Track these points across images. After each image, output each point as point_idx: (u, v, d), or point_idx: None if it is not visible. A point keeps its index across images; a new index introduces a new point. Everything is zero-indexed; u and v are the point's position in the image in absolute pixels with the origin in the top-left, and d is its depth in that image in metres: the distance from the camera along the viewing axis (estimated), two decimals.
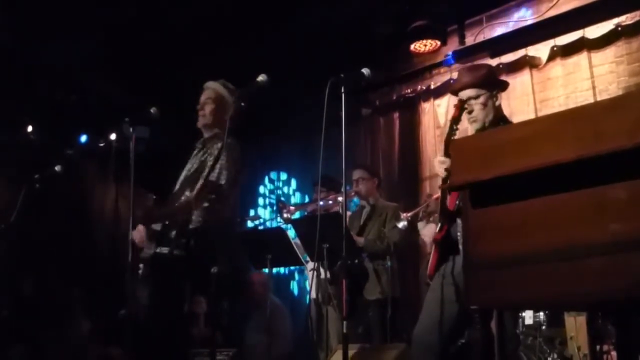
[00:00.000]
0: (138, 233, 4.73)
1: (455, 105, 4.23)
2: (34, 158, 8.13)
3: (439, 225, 4.18)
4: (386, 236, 6.65)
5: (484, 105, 4.09)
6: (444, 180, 4.07)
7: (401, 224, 6.26)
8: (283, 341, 7.70)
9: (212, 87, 5.00)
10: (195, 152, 4.99)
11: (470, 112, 4.10)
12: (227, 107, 4.90)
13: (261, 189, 10.51)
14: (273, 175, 10.51)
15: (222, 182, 4.59)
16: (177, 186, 4.88)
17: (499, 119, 4.13)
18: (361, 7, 7.72)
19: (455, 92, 4.29)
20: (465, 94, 4.13)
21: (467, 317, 4.02)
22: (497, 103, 4.16)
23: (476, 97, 4.09)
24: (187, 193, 4.71)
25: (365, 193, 7.02)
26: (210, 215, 4.62)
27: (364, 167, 7.33)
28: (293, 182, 10.36)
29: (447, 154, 4.18)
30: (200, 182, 4.60)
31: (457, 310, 3.99)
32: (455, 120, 4.19)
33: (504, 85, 4.33)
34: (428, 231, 4.44)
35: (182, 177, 4.90)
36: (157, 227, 4.76)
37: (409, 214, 6.33)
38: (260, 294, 7.72)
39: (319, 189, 6.91)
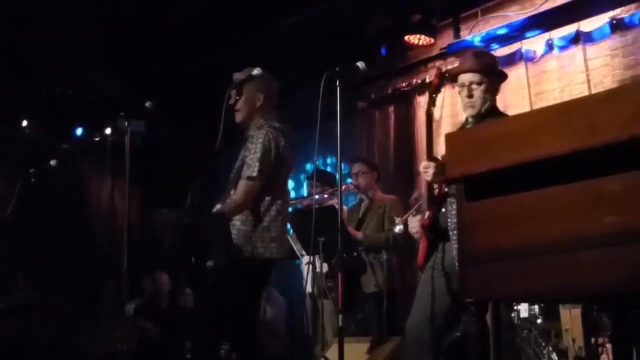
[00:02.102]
0: None
1: (435, 74, 4.24)
2: (29, 152, 8.13)
3: (426, 212, 4.20)
4: (385, 231, 6.68)
5: (485, 92, 4.09)
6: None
7: (397, 228, 6.29)
8: (277, 338, 7.72)
9: (237, 79, 4.88)
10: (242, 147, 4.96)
11: (470, 97, 4.09)
12: (257, 95, 4.83)
13: None
14: None
15: (254, 174, 4.55)
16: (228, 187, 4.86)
17: (493, 109, 4.14)
18: (358, 0, 7.73)
19: (455, 75, 4.27)
20: (467, 78, 4.11)
21: (459, 309, 4.05)
22: (497, 93, 4.18)
23: (479, 83, 4.08)
24: (232, 192, 4.69)
25: (364, 186, 7.05)
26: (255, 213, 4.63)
27: (363, 160, 7.35)
28: None
29: (429, 125, 4.22)
30: (240, 180, 4.59)
31: (449, 302, 4.01)
32: (436, 88, 4.21)
33: (504, 77, 4.34)
34: (414, 224, 4.46)
35: (231, 176, 4.88)
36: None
37: (403, 217, 6.37)
38: None
39: (314, 183, 6.92)
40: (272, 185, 4.67)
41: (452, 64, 7.90)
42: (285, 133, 4.76)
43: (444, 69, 4.31)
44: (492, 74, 4.18)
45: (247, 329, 4.63)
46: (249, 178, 4.53)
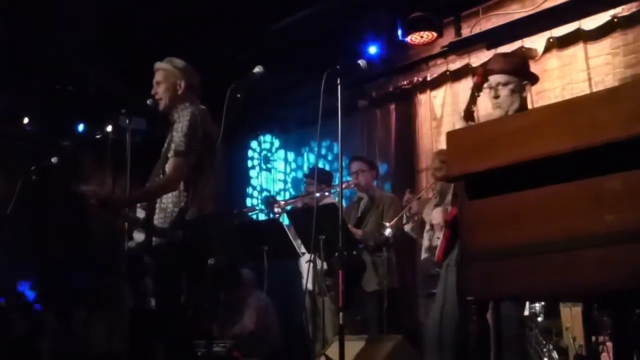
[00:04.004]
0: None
1: (479, 73, 4.22)
2: (31, 149, 8.13)
3: (450, 207, 4.21)
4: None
5: (512, 92, 4.10)
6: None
7: (387, 231, 6.30)
8: (270, 337, 7.73)
9: (160, 68, 4.90)
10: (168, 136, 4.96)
11: (496, 97, 4.11)
12: (178, 83, 4.85)
13: (249, 153, 10.71)
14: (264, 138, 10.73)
15: (182, 148, 4.52)
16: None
17: (523, 110, 4.15)
18: None
19: (485, 76, 4.28)
20: (495, 79, 4.13)
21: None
22: (524, 94, 4.17)
23: (505, 84, 4.10)
24: (160, 174, 4.66)
25: (364, 185, 7.04)
26: (193, 196, 4.56)
27: (362, 159, 7.36)
28: (276, 142, 10.58)
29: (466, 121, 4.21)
30: (170, 158, 4.55)
31: (461, 299, 4.02)
32: (478, 87, 4.19)
33: (535, 79, 4.33)
34: (437, 214, 4.47)
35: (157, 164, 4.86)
36: (141, 214, 4.72)
37: (392, 222, 6.38)
38: (247, 291, 7.77)
39: (315, 181, 6.91)
40: (202, 163, 4.65)
41: (453, 62, 7.92)
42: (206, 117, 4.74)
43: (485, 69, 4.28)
44: (521, 74, 4.18)
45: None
46: (177, 154, 4.50)
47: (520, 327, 4.41)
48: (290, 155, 10.22)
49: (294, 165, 10.16)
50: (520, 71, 4.21)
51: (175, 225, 4.49)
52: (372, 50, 8.00)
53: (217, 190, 4.80)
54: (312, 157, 9.63)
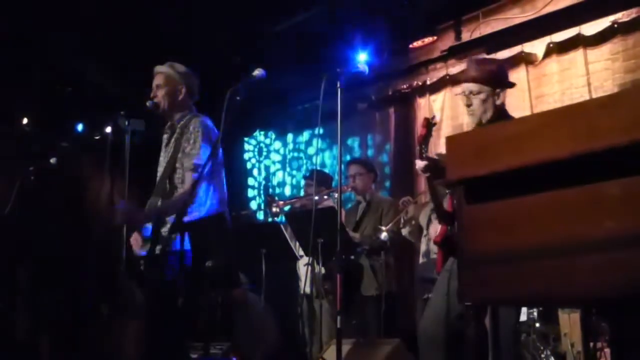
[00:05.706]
0: (135, 241, 4.73)
1: (422, 124, 4.23)
2: (29, 150, 8.12)
3: (439, 227, 4.21)
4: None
5: (483, 101, 4.08)
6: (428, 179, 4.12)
7: (383, 235, 6.31)
8: (267, 340, 7.72)
9: (160, 71, 4.93)
10: (165, 138, 4.96)
11: (468, 106, 4.11)
12: (179, 88, 4.87)
13: (246, 147, 10.80)
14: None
15: (201, 163, 4.55)
16: (159, 177, 4.84)
17: (500, 117, 4.11)
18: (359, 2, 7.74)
19: (430, 128, 4.27)
20: (466, 87, 4.13)
21: None
22: (497, 102, 4.13)
23: (477, 93, 4.08)
24: (168, 184, 4.68)
25: (362, 188, 7.02)
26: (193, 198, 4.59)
27: (360, 162, 7.34)
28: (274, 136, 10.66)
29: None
30: (185, 172, 4.58)
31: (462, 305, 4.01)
32: (424, 139, 4.19)
33: (509, 85, 4.29)
34: (433, 231, 4.50)
35: (161, 168, 4.87)
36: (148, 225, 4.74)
37: (388, 226, 6.39)
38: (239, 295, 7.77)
39: (314, 183, 6.90)
40: (211, 173, 4.67)
41: (453, 66, 7.93)
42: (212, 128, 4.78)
43: (430, 118, 4.28)
44: (494, 82, 4.14)
45: None
46: (195, 168, 4.55)
47: (514, 332, 4.42)
48: (290, 137, 10.24)
49: (291, 147, 10.18)
50: (493, 80, 4.14)
51: (174, 228, 4.50)
52: (372, 53, 7.99)
53: (218, 191, 4.81)
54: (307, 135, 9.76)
